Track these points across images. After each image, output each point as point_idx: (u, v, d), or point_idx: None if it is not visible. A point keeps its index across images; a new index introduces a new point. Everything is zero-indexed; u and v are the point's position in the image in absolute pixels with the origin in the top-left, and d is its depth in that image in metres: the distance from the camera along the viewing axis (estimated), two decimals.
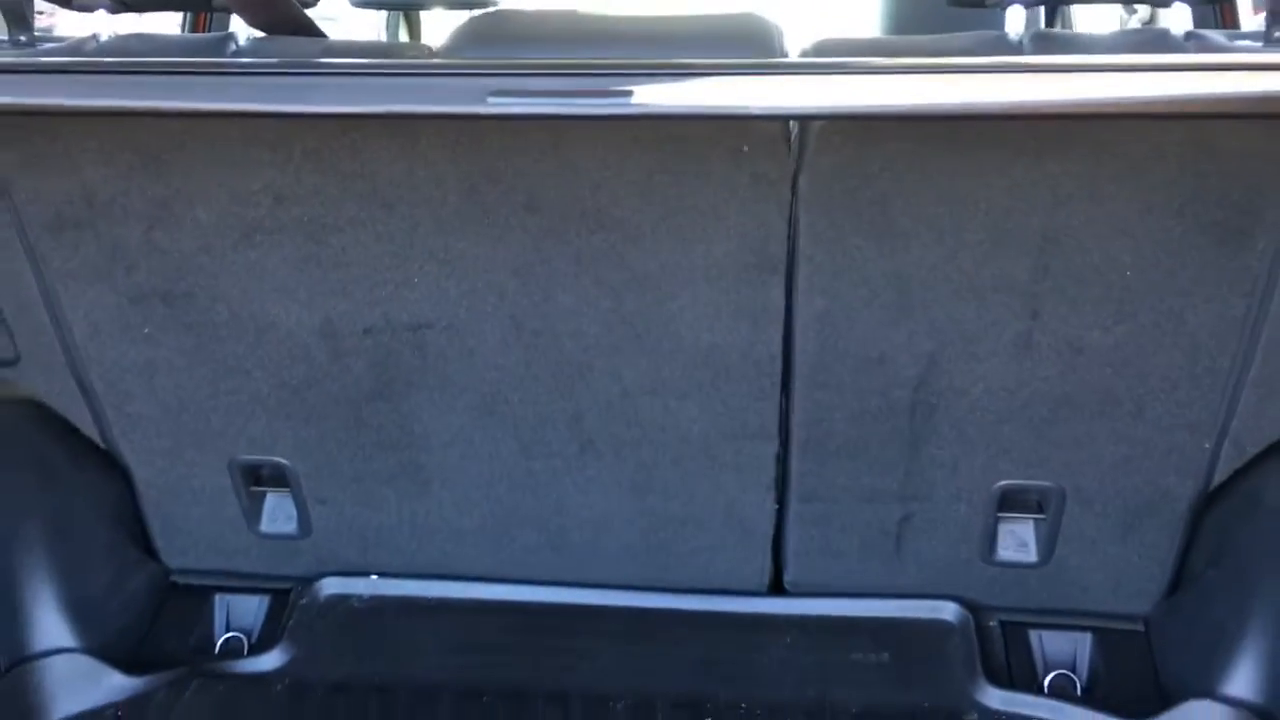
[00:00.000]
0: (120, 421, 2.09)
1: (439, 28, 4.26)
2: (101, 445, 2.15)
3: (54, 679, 1.97)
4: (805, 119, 1.67)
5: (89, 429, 2.12)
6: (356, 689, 2.03)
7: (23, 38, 1.84)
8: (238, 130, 1.73)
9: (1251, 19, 2.80)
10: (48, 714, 1.94)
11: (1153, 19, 3.05)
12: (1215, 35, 1.73)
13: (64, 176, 1.80)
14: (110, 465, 2.19)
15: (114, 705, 1.98)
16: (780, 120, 1.67)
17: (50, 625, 2.01)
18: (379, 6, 4.15)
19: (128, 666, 2.05)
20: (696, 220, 1.77)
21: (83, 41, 1.84)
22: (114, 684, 2.01)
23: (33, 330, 1.98)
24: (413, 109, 1.46)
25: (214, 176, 1.78)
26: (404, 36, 4.26)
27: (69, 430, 2.14)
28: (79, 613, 2.05)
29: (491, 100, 1.39)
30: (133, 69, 1.55)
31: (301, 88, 1.46)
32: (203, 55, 1.79)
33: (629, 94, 1.38)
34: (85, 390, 2.05)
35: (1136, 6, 3.09)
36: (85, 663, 2.01)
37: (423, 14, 4.27)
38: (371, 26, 4.36)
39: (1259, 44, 1.67)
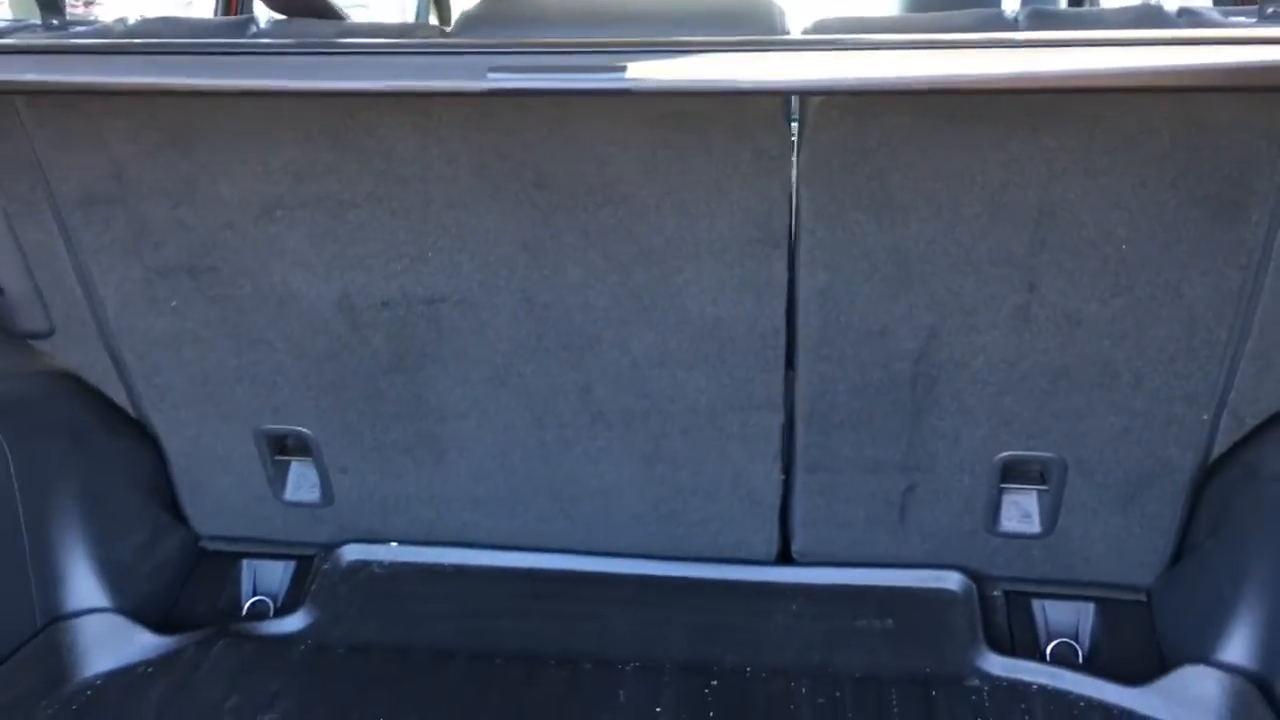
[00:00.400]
0: (150, 392, 2.18)
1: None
2: (133, 415, 2.24)
3: (87, 637, 2.06)
4: (802, 93, 1.71)
5: (121, 399, 2.21)
6: (375, 650, 2.11)
7: (55, 21, 1.91)
8: (260, 109, 1.80)
9: None
10: (82, 670, 2.03)
11: None
12: (1208, 10, 1.76)
13: (94, 154, 1.88)
14: (142, 434, 2.27)
15: (145, 663, 2.07)
16: (780, 96, 1.72)
17: (85, 586, 2.10)
18: None
19: (158, 627, 2.13)
20: (700, 195, 1.82)
21: (111, 25, 1.92)
22: (144, 642, 2.09)
23: (66, 303, 2.07)
24: (413, 85, 1.52)
25: (237, 154, 1.86)
26: (434, 21, 4.33)
27: (102, 400, 2.23)
28: (112, 575, 2.14)
29: (491, 76, 1.45)
30: (159, 49, 1.62)
31: (313, 66, 1.52)
32: (225, 37, 1.86)
33: (622, 69, 1.43)
34: (116, 361, 2.14)
35: None
36: (117, 622, 2.09)
37: None
38: (402, 12, 4.43)
39: (1252, 19, 1.70)
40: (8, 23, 1.99)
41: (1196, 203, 1.72)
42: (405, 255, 1.94)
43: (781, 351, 1.98)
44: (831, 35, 1.68)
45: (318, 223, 1.92)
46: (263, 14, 1.98)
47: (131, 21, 1.92)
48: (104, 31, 1.90)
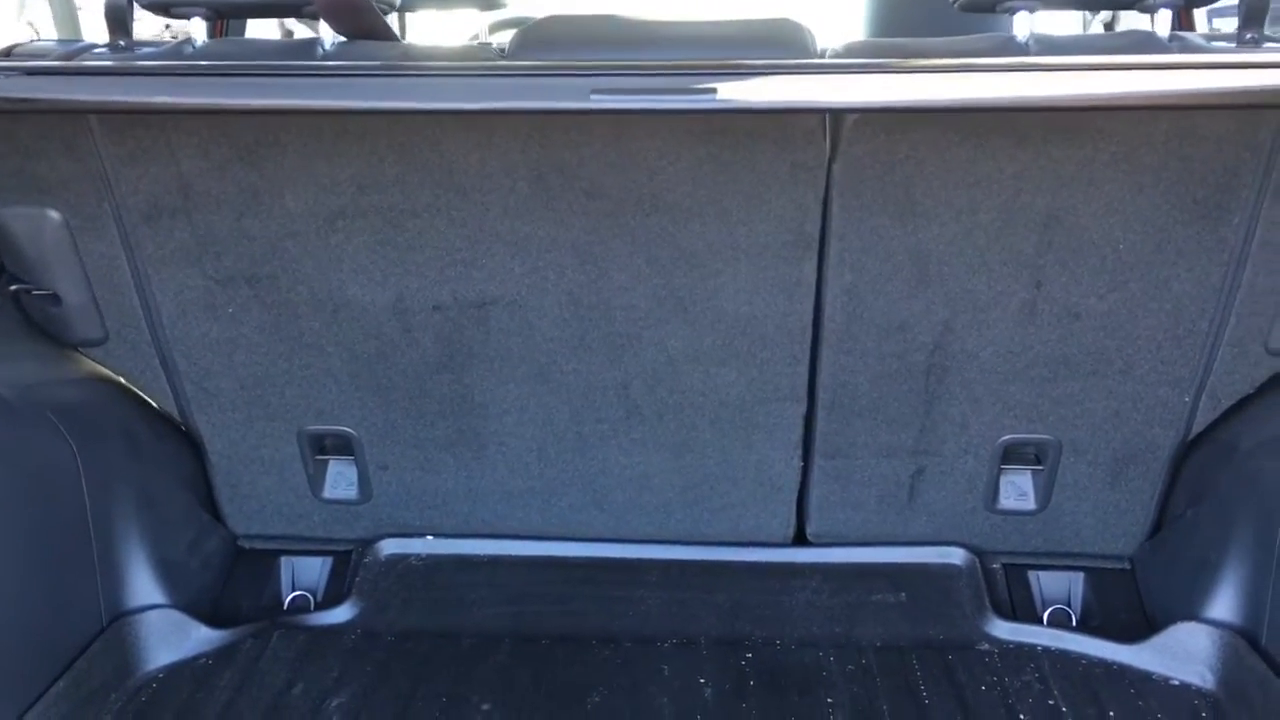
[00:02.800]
0: (198, 396, 2.27)
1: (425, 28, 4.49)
2: (177, 418, 2.33)
3: (149, 632, 2.14)
4: (848, 112, 1.88)
5: (167, 403, 2.30)
6: (423, 637, 2.22)
7: (122, 42, 2.01)
8: (330, 125, 1.92)
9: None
10: (146, 663, 2.12)
11: (1113, 22, 3.31)
12: (1194, 37, 1.98)
13: (163, 168, 1.98)
14: (184, 437, 2.36)
15: (204, 655, 2.16)
16: (824, 113, 1.89)
17: (144, 583, 2.18)
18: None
19: (210, 622, 2.22)
20: (741, 204, 1.98)
21: (180, 45, 2.02)
22: (201, 636, 2.18)
23: (122, 312, 2.15)
24: (529, 105, 1.66)
25: (303, 167, 1.97)
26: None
27: (147, 404, 2.31)
28: (167, 573, 2.22)
29: (594, 97, 1.60)
30: (252, 71, 1.74)
31: (426, 87, 1.65)
32: (295, 58, 1.97)
33: (713, 91, 1.59)
34: (167, 367, 2.23)
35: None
36: (176, 617, 2.18)
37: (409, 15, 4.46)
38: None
39: (1232, 45, 1.92)
40: (78, 44, 2.07)
41: (1186, 207, 1.94)
42: (460, 261, 2.07)
43: (808, 346, 2.15)
44: (868, 59, 1.86)
45: (377, 231, 2.04)
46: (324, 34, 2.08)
47: (199, 43, 2.02)
48: (175, 53, 2.00)
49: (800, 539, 2.42)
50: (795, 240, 2.02)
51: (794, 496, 2.36)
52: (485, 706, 2.03)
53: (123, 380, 2.29)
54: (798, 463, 2.31)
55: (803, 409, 2.23)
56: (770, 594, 2.33)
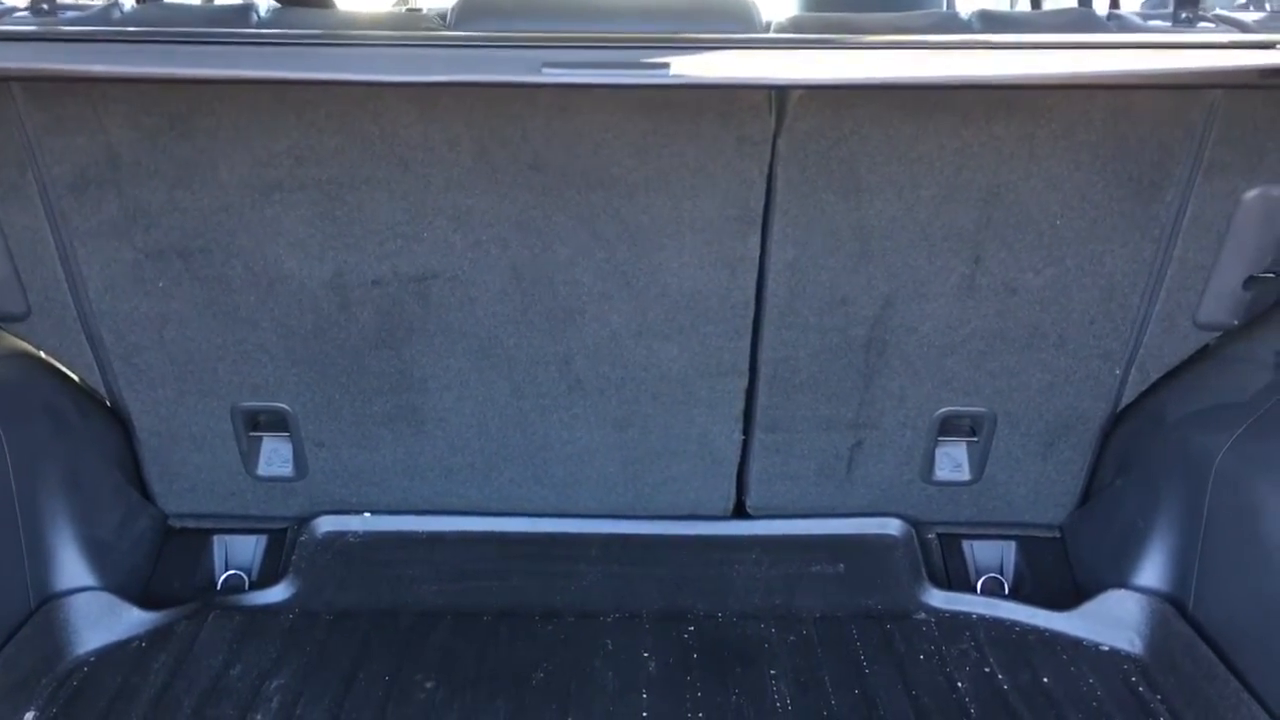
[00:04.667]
0: (127, 372, 2.21)
1: None
2: (103, 395, 2.26)
3: (80, 615, 2.09)
4: (814, 88, 1.87)
5: (93, 380, 2.23)
6: (363, 615, 2.20)
7: (45, 5, 1.93)
8: (267, 95, 1.87)
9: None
10: (77, 647, 2.06)
11: None
12: (1131, 15, 2.01)
13: (90, 138, 1.91)
14: (111, 415, 2.30)
15: (136, 638, 2.11)
16: (767, 89, 1.89)
17: (73, 565, 2.12)
18: None
19: (142, 603, 2.17)
20: (686, 179, 1.97)
21: (107, 9, 1.94)
22: (133, 618, 2.13)
23: (45, 285, 2.08)
24: (479, 78, 1.63)
25: (239, 138, 1.92)
26: None
27: (72, 381, 2.24)
28: (95, 554, 2.17)
29: (546, 71, 1.57)
30: (187, 38, 1.68)
31: (369, 58, 1.61)
32: (227, 24, 1.91)
33: (667, 66, 1.57)
34: (94, 343, 2.16)
35: None
36: (106, 599, 2.13)
37: None
38: None
39: (1168, 23, 1.96)
40: None
41: (1121, 183, 1.97)
42: (400, 235, 2.03)
43: (750, 321, 2.15)
44: (817, 35, 1.86)
45: (315, 205, 1.99)
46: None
47: (127, 7, 1.95)
48: (101, 17, 1.92)
49: (740, 512, 2.44)
50: (740, 215, 2.02)
51: (734, 470, 2.37)
52: (429, 685, 2.01)
53: (46, 356, 2.22)
54: (738, 436, 2.32)
55: (744, 383, 2.24)
56: (712, 567, 2.34)
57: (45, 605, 2.07)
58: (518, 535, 2.40)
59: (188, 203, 1.99)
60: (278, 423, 2.31)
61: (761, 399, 2.26)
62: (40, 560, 2.08)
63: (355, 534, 2.40)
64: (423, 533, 2.41)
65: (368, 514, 2.42)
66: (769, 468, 2.36)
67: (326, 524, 2.40)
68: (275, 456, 2.37)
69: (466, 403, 2.26)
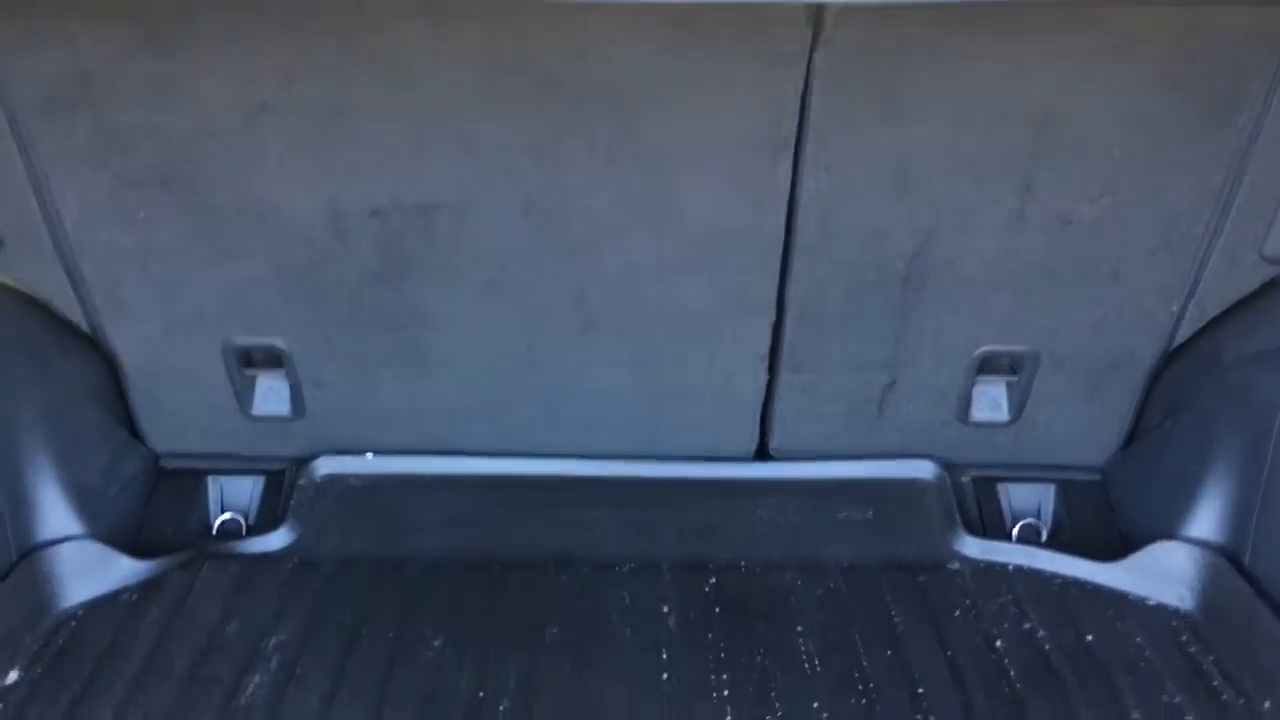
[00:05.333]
0: (109, 307, 2.06)
1: None
2: (86, 330, 2.12)
3: (65, 566, 1.97)
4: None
5: (75, 315, 2.08)
6: (366, 564, 2.08)
7: None
8: (252, 6, 1.69)
9: None
10: (63, 600, 1.95)
11: None
12: None
13: (59, 55, 1.74)
14: (95, 351, 2.16)
15: (127, 589, 1.99)
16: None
17: (56, 513, 2.00)
18: None
19: (132, 551, 2.05)
20: (710, 99, 1.80)
21: None
22: (124, 568, 2.01)
23: (18, 214, 1.92)
24: None
25: (222, 54, 1.74)
26: None
27: (52, 315, 2.10)
28: (81, 499, 2.04)
29: None
30: None
31: None
32: None
33: None
34: (73, 277, 2.01)
35: None
36: (94, 549, 2.01)
37: None
38: None
39: None
40: None
41: (1190, 105, 1.80)
42: (401, 161, 1.87)
43: (778, 255, 1.99)
44: None
45: (307, 128, 1.82)
46: None
47: None
48: None
49: (763, 454, 2.30)
50: (769, 140, 1.85)
51: (758, 411, 2.23)
52: (436, 642, 1.90)
53: (22, 289, 2.07)
54: (763, 376, 2.17)
55: (770, 320, 2.09)
56: (734, 513, 2.22)
57: (28, 556, 1.96)
58: (530, 478, 2.27)
59: (168, 126, 1.82)
60: (273, 360, 2.17)
61: (789, 337, 2.11)
62: (21, 509, 1.96)
63: (357, 476, 2.27)
64: (429, 475, 2.28)
65: (370, 455, 2.29)
66: (795, 408, 2.22)
67: (327, 465, 2.27)
68: (271, 395, 2.23)
69: (474, 340, 2.11)
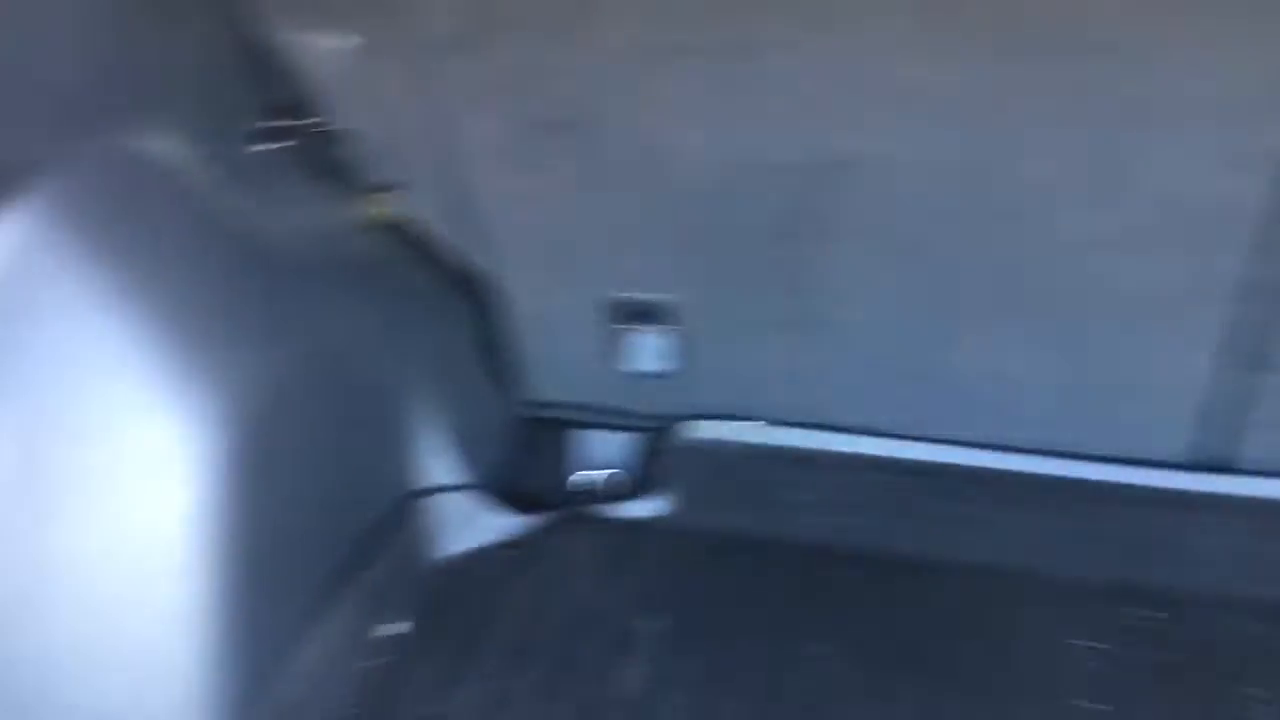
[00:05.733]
0: (502, 252, 1.99)
1: None
2: (477, 274, 2.06)
3: (446, 516, 1.94)
4: None
5: (469, 260, 2.03)
6: (747, 546, 1.92)
7: None
8: None
9: None
10: (442, 551, 1.92)
11: None
12: None
13: None
14: (480, 296, 2.10)
15: (503, 545, 1.94)
16: None
17: (439, 461, 1.97)
18: None
19: (504, 502, 2.00)
20: (1194, 48, 1.46)
21: None
22: (500, 523, 1.97)
23: (424, 154, 1.87)
24: None
25: None
26: None
27: (445, 260, 2.06)
28: (463, 448, 2.00)
29: None
30: None
31: None
32: None
33: None
34: (468, 218, 1.95)
35: None
36: (471, 499, 1.96)
37: None
38: None
39: None
40: None
41: None
42: (815, 111, 1.65)
43: (1259, 234, 1.63)
44: None
45: (715, 71, 1.64)
46: None
47: None
48: None
49: (1220, 465, 1.93)
50: (1262, 97, 1.48)
51: (1213, 415, 1.87)
52: (823, 646, 1.72)
53: (417, 232, 2.03)
54: (1229, 374, 1.81)
55: (1240, 310, 1.72)
56: (1175, 533, 1.87)
57: (411, 503, 1.93)
58: (935, 466, 2.01)
59: (569, 67, 1.69)
60: (653, 315, 2.03)
61: (1268, 332, 1.74)
62: (406, 456, 1.93)
63: (740, 444, 2.11)
64: (821, 451, 2.07)
65: (761, 422, 2.11)
66: (1269, 415, 1.84)
67: (709, 429, 2.12)
68: (651, 350, 2.10)
69: (881, 311, 1.88)
